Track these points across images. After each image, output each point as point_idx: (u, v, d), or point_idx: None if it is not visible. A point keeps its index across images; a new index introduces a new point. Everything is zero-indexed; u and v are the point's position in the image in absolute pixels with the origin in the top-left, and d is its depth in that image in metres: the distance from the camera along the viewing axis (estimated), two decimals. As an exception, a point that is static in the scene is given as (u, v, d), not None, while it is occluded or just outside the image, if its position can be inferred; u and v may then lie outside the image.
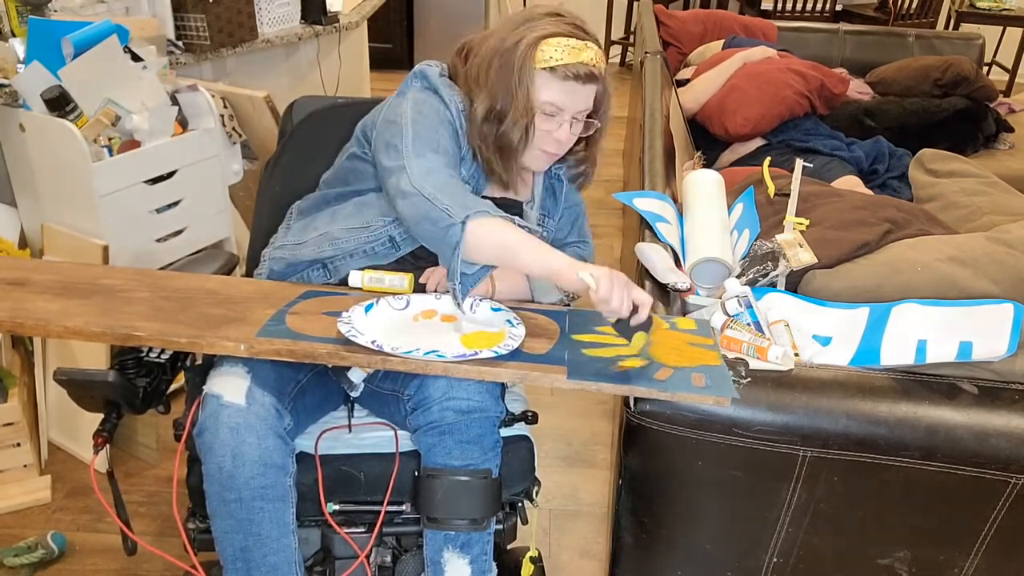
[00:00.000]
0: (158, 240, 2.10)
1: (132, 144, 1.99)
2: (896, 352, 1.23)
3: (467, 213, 1.19)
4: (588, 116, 1.35)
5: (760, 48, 2.71)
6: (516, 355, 1.14)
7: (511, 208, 1.40)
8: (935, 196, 1.91)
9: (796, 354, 1.26)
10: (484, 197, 1.33)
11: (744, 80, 2.52)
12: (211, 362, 1.26)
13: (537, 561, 1.39)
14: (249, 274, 1.53)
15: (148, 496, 1.93)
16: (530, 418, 1.35)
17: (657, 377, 1.12)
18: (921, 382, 1.20)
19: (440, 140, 1.30)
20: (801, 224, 1.56)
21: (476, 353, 1.12)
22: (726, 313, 1.32)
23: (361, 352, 1.10)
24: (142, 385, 1.17)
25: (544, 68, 1.27)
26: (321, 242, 1.36)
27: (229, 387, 1.16)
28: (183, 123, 2.13)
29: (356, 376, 1.24)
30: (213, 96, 2.16)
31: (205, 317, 1.17)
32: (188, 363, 1.29)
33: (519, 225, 1.25)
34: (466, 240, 1.19)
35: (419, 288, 1.34)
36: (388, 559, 1.31)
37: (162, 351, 1.20)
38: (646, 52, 2.77)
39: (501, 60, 1.28)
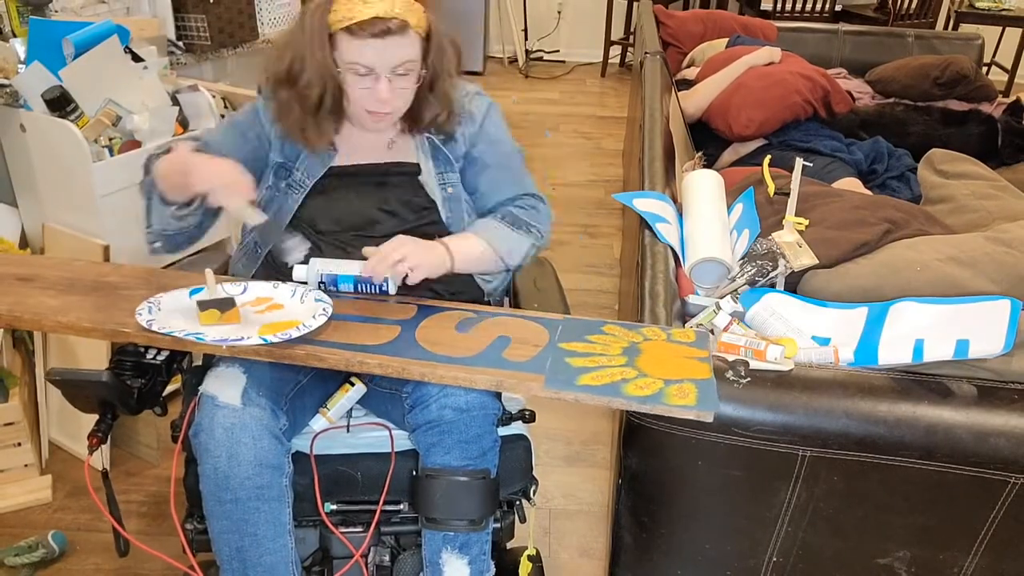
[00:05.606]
0: (158, 240, 2.10)
1: (133, 144, 1.99)
2: (894, 352, 1.23)
3: None
4: (416, 66, 1.27)
5: (765, 50, 2.67)
6: (494, 362, 1.11)
7: (406, 169, 1.37)
8: (945, 198, 1.88)
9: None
10: (368, 164, 1.35)
11: (753, 79, 2.49)
12: (208, 363, 1.26)
13: (535, 560, 1.39)
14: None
15: (149, 496, 1.92)
16: (527, 416, 1.35)
17: (640, 389, 1.07)
18: (920, 382, 1.19)
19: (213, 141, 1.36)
20: (801, 224, 1.56)
21: (248, 338, 1.09)
22: (715, 324, 1.32)
23: (209, 344, 1.08)
24: (136, 386, 1.16)
25: (341, 29, 1.20)
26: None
27: (225, 388, 1.17)
28: (184, 123, 2.13)
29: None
30: (214, 96, 2.16)
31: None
32: (185, 364, 1.29)
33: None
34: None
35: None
36: (386, 559, 1.31)
37: (159, 352, 1.20)
38: (646, 52, 2.77)
39: (297, 25, 1.26)
